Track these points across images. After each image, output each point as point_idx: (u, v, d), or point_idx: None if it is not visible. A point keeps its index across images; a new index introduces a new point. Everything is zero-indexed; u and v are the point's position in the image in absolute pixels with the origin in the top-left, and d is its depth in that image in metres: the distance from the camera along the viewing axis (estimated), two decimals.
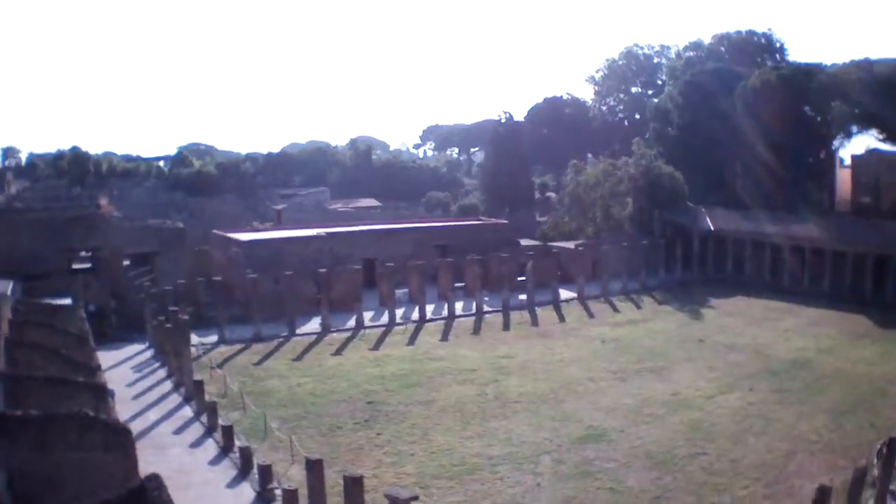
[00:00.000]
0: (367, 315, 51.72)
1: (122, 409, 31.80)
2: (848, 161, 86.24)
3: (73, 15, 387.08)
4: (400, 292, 54.69)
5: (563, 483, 26.01)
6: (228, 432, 29.35)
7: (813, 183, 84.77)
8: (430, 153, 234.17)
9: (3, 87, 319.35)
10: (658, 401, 34.67)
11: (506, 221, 77.22)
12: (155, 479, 13.58)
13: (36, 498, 17.01)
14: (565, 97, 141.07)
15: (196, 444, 30.07)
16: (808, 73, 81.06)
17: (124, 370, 41.01)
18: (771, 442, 29.46)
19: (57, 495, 16.96)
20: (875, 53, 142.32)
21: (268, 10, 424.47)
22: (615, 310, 56.49)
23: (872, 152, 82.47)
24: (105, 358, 38.88)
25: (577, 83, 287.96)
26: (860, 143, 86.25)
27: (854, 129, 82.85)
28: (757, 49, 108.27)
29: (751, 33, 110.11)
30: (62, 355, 25.07)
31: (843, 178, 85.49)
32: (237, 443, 28.82)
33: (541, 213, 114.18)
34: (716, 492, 25.09)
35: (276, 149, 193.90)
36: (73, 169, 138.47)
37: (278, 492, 24.39)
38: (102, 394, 22.15)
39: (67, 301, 45.22)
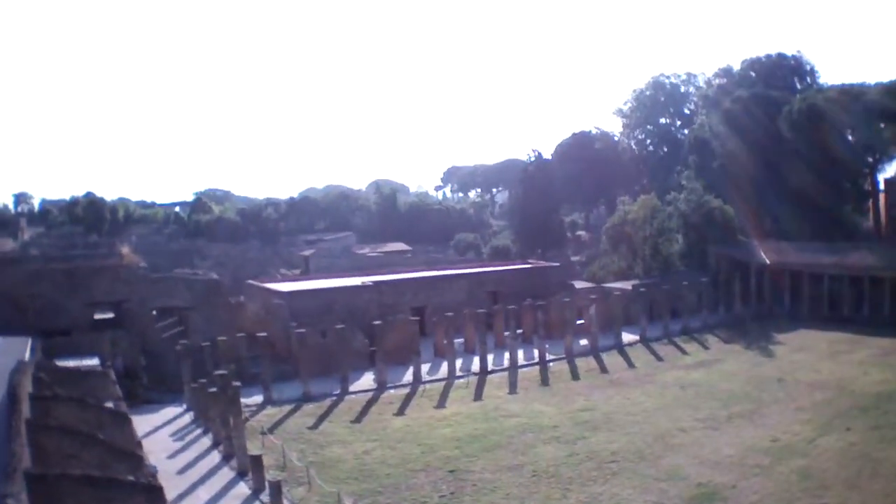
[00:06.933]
0: (423, 368, 46.93)
1: (168, 488, 26.56)
2: (882, 185, 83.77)
3: (83, 61, 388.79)
4: (455, 342, 50.04)
5: None
6: None
7: (857, 208, 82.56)
8: (449, 195, 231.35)
9: (14, 133, 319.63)
10: (760, 449, 31.86)
11: (558, 264, 73.42)
12: None
13: None
14: (594, 131, 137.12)
15: None
16: (854, 95, 78.06)
17: (163, 437, 36.30)
18: (888, 484, 27.32)
19: None
20: None
21: (280, 57, 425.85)
22: (683, 352, 53.30)
23: None
24: (139, 423, 34.35)
25: (604, 116, 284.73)
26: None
27: None
28: (788, 72, 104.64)
29: (781, 56, 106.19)
30: (101, 441, 20.08)
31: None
32: None
33: (573, 251, 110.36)
34: None
35: (293, 194, 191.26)
36: (89, 215, 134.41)
37: None
38: (158, 497, 17.14)
39: (94, 361, 40.66)
